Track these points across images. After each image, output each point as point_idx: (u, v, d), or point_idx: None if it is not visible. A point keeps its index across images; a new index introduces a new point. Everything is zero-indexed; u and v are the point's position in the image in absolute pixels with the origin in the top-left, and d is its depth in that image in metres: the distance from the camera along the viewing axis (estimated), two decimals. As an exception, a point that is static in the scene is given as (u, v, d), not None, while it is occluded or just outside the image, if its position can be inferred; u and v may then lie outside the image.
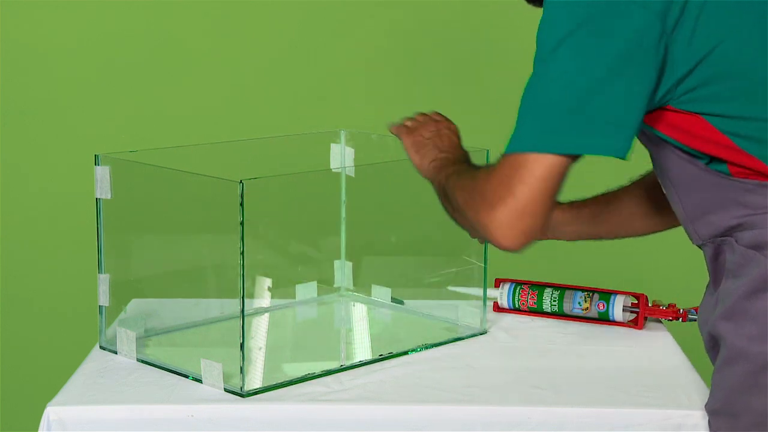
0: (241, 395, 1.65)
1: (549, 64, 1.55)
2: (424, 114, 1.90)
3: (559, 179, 1.55)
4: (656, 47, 1.52)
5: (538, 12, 1.98)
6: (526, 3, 1.82)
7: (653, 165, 1.71)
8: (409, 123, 1.88)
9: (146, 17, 3.01)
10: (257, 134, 2.34)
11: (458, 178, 1.69)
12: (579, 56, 1.53)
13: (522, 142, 1.55)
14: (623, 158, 1.54)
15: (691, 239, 1.67)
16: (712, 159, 1.58)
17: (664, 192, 1.71)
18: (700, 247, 1.66)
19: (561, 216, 1.96)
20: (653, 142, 1.64)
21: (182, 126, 2.96)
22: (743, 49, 1.56)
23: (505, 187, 1.55)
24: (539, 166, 1.53)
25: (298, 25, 3.04)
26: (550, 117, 1.54)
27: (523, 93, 1.59)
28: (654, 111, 1.57)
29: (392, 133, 1.90)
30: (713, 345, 1.63)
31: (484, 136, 2.91)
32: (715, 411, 1.61)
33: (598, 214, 1.96)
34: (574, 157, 1.54)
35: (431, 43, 3.08)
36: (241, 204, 1.64)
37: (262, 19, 3.03)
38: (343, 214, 2.13)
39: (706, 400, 1.63)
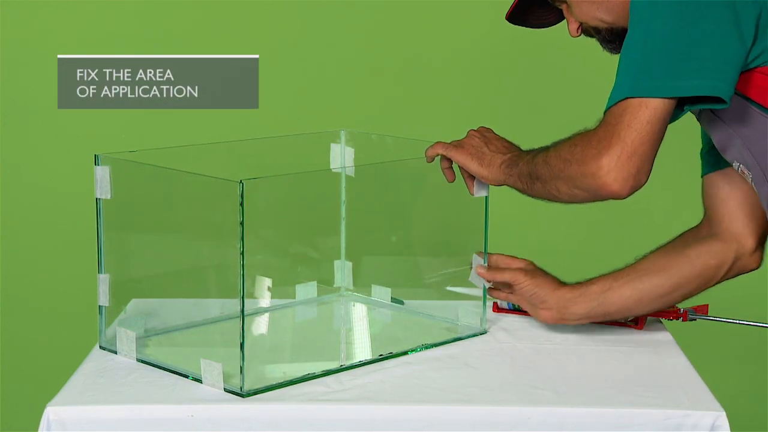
0: (241, 395, 1.65)
1: (648, 17, 1.62)
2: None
3: (664, 123, 1.62)
4: (753, 2, 1.60)
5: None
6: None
7: (730, 154, 1.77)
8: (447, 142, 1.89)
9: (146, 16, 3.01)
10: (257, 134, 2.33)
11: (546, 152, 1.74)
12: (678, 6, 1.60)
13: (625, 89, 1.62)
14: (725, 101, 1.61)
15: None
16: None
17: (747, 176, 1.78)
18: None
19: (569, 294, 1.91)
20: (740, 120, 1.71)
21: (182, 126, 2.96)
22: None
23: (611, 133, 1.62)
24: (644, 110, 1.61)
25: (299, 25, 3.04)
26: (651, 63, 1.61)
27: (623, 47, 1.66)
28: (746, 72, 1.65)
29: (432, 155, 1.89)
30: None
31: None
32: None
33: (607, 289, 1.91)
34: (676, 102, 1.62)
35: (432, 43, 3.08)
36: (241, 204, 1.64)
37: (262, 19, 3.03)
38: (343, 214, 2.13)
39: (706, 400, 1.64)
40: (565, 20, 1.87)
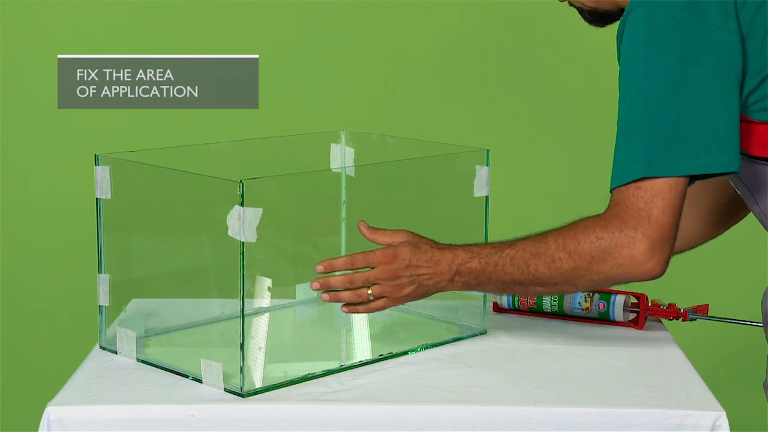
0: (241, 395, 1.65)
1: (646, 94, 1.60)
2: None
3: (683, 199, 1.62)
4: (738, 61, 1.60)
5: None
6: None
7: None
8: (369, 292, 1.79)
9: (146, 16, 3.01)
10: (257, 134, 2.33)
11: (533, 256, 1.70)
12: (679, 83, 1.59)
13: (639, 169, 1.60)
14: (738, 171, 1.62)
15: None
16: None
17: (739, 193, 1.79)
18: None
19: None
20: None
21: (182, 126, 2.96)
22: None
23: (638, 218, 1.61)
24: (668, 189, 1.60)
25: (299, 25, 3.04)
26: (661, 142, 1.60)
27: (620, 123, 1.64)
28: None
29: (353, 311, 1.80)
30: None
31: (484, 136, 2.92)
32: None
33: None
34: (692, 178, 1.62)
35: (431, 43, 3.08)
36: (241, 204, 1.64)
37: (262, 19, 3.03)
38: (343, 214, 2.13)
39: (706, 400, 1.64)
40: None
